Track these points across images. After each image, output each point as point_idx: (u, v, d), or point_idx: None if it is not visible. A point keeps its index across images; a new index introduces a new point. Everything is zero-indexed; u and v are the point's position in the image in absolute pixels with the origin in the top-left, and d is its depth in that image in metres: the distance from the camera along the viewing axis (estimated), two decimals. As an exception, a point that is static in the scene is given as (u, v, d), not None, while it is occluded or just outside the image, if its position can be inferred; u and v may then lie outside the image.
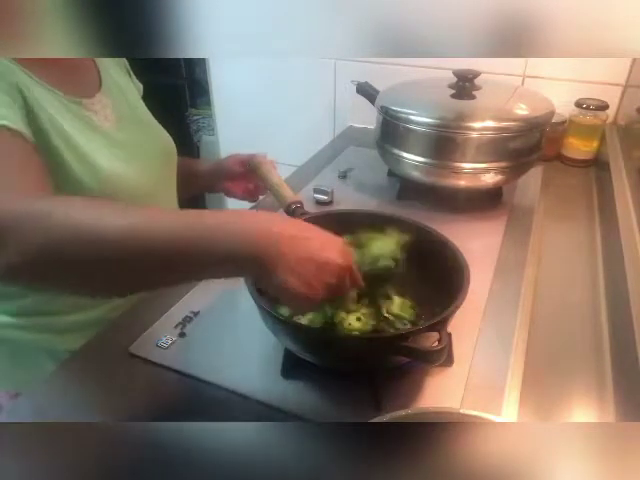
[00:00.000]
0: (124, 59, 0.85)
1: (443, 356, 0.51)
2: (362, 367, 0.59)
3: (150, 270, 0.46)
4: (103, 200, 0.50)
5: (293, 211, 0.79)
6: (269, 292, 0.49)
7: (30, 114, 0.60)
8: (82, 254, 0.44)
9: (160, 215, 0.47)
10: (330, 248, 0.48)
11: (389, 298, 0.64)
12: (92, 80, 0.75)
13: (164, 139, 0.86)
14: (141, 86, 0.90)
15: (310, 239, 0.48)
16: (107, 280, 0.47)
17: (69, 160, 0.64)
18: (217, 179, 0.97)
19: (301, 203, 0.81)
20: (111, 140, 0.72)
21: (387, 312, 0.63)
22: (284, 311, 0.57)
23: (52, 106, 0.64)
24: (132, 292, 0.52)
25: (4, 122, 0.54)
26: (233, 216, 0.47)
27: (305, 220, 0.71)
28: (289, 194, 0.83)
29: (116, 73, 0.81)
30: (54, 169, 0.62)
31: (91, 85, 0.74)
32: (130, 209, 0.47)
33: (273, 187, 0.86)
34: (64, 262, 0.45)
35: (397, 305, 0.64)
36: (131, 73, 0.88)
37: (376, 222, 0.71)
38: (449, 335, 0.54)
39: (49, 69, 0.65)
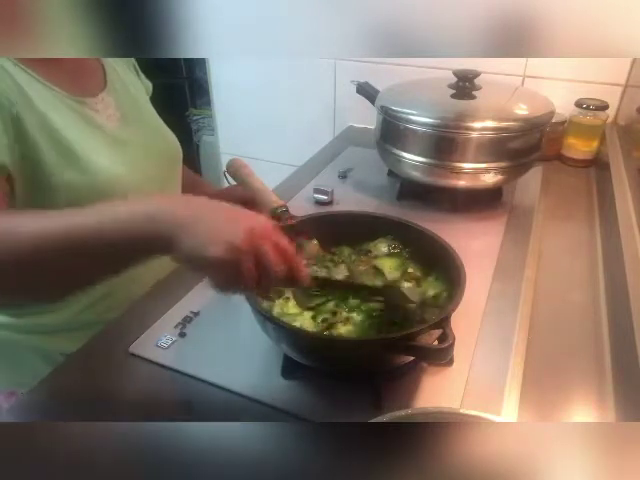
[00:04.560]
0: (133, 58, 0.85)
1: (449, 354, 0.51)
2: (365, 369, 0.59)
3: (73, 267, 0.47)
4: (27, 210, 0.50)
5: (279, 215, 0.75)
6: (197, 267, 0.46)
7: (16, 122, 0.59)
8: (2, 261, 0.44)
9: (71, 214, 0.47)
10: (238, 209, 0.48)
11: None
12: (97, 79, 0.75)
13: (170, 140, 0.85)
14: (150, 85, 0.90)
15: (213, 203, 0.48)
16: (33, 284, 0.47)
17: (56, 162, 0.63)
18: None
19: (286, 207, 0.77)
20: (114, 140, 0.72)
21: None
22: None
23: (51, 106, 0.63)
24: (64, 293, 0.52)
25: None
26: (141, 202, 0.47)
27: (292, 224, 0.71)
28: (273, 198, 0.78)
29: (123, 72, 0.80)
30: (39, 173, 0.61)
31: (96, 84, 0.74)
32: (47, 213, 0.47)
33: (255, 192, 0.81)
34: None
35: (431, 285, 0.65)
36: (139, 72, 0.87)
37: (360, 223, 0.72)
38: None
39: (52, 68, 0.65)
